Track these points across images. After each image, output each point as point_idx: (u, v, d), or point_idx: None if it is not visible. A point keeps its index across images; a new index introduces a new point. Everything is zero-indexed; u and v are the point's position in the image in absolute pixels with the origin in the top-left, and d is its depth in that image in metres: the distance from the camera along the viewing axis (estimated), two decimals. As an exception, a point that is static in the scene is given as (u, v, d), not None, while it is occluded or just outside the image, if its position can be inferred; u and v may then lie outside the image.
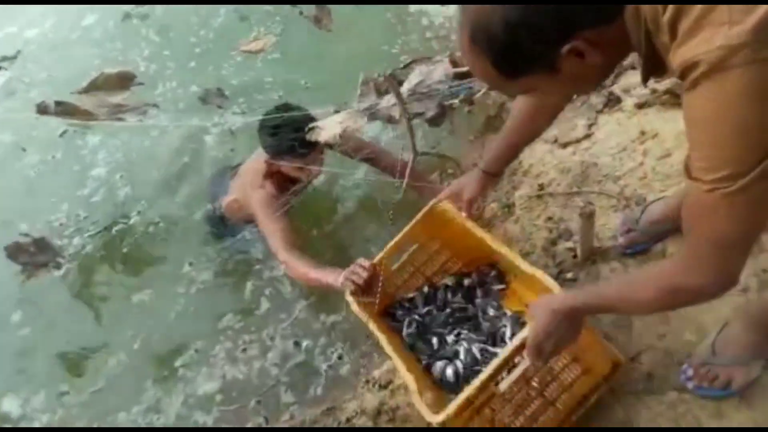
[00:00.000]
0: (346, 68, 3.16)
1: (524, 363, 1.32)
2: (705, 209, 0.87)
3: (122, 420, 2.29)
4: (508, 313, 1.71)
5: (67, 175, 3.16)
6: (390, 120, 2.43)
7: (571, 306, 1.21)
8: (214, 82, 3.23)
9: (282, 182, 2.36)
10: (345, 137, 2.09)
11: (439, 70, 2.28)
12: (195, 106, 3.09)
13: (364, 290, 1.73)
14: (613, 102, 2.22)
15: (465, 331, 1.72)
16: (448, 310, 1.80)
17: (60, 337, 2.63)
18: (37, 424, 2.40)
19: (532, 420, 1.51)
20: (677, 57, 0.78)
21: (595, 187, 1.98)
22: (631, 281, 1.27)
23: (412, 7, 3.54)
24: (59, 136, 3.23)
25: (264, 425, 2.11)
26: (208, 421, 2.21)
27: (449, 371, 1.63)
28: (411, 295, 1.88)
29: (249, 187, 2.42)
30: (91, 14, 3.63)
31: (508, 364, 1.35)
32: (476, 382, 1.33)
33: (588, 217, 1.68)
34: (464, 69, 2.46)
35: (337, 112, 2.20)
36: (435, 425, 1.32)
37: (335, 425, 2.00)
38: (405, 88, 2.24)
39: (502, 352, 1.34)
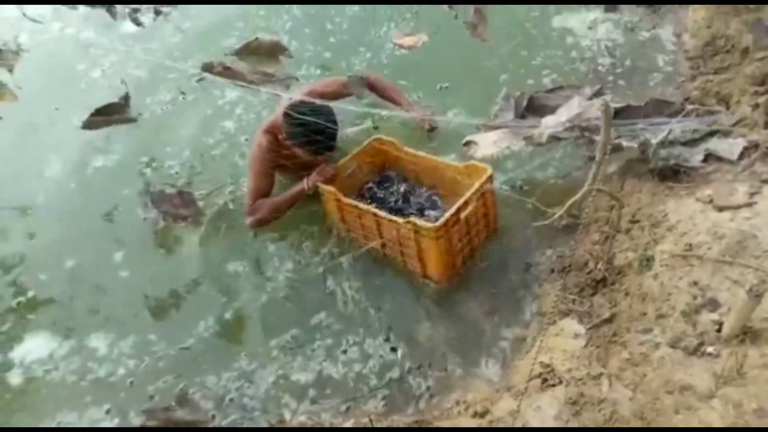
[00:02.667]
0: (483, 73, 3.14)
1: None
2: None
3: (211, 383, 2.31)
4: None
5: (195, 120, 3.23)
6: (527, 140, 2.38)
7: None
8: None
9: (277, 147, 2.61)
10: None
11: (598, 106, 2.20)
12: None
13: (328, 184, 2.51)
14: (781, 174, 2.08)
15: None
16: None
17: (154, 287, 2.68)
18: (122, 369, 2.42)
19: (467, 243, 2.39)
20: None
21: (752, 261, 1.86)
22: None
23: (555, 23, 3.46)
24: (196, 82, 3.30)
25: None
26: (299, 408, 2.19)
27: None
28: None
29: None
30: (241, -21, 3.71)
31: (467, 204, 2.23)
32: (455, 206, 2.21)
33: (756, 297, 1.58)
34: (621, 105, 2.39)
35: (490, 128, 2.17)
36: (434, 232, 2.16)
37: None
38: (564, 116, 2.18)
39: (464, 197, 2.23)
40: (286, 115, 2.45)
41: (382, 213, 2.37)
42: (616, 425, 1.74)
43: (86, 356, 2.45)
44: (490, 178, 2.29)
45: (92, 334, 2.54)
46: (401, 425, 2.07)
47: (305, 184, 2.58)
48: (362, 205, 2.46)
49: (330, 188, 2.50)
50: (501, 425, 1.90)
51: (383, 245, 2.48)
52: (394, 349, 2.31)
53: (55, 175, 3.03)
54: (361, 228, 2.53)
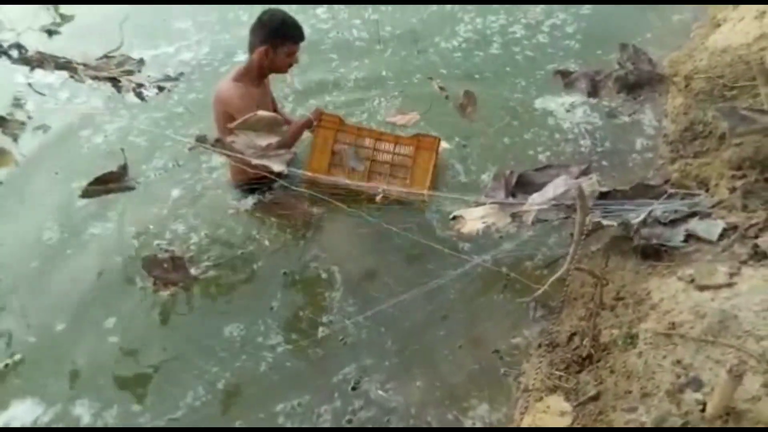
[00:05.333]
0: (474, 150, 3.27)
1: None
2: None
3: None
4: None
5: (182, 186, 3.31)
6: (513, 217, 2.45)
7: None
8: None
9: (257, 77, 2.94)
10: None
11: (586, 185, 2.29)
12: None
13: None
14: (759, 256, 2.15)
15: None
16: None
17: (144, 355, 2.64)
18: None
19: None
20: None
21: (733, 342, 1.89)
22: None
23: (537, 105, 3.64)
24: (188, 150, 3.36)
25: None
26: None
27: None
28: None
29: (220, 104, 2.87)
30: (242, 54, 3.88)
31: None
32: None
33: (736, 377, 1.60)
34: (608, 189, 2.48)
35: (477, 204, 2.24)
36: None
37: None
38: (551, 194, 2.26)
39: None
40: (260, 24, 2.82)
41: (386, 133, 2.98)
42: (603, 507, 1.72)
43: (70, 424, 2.40)
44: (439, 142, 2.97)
45: (77, 401, 2.48)
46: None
47: (310, 116, 3.01)
48: (365, 127, 3.03)
49: (334, 114, 3.02)
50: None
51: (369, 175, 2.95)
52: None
53: (51, 241, 3.05)
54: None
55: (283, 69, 2.98)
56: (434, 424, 2.24)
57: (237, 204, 3.13)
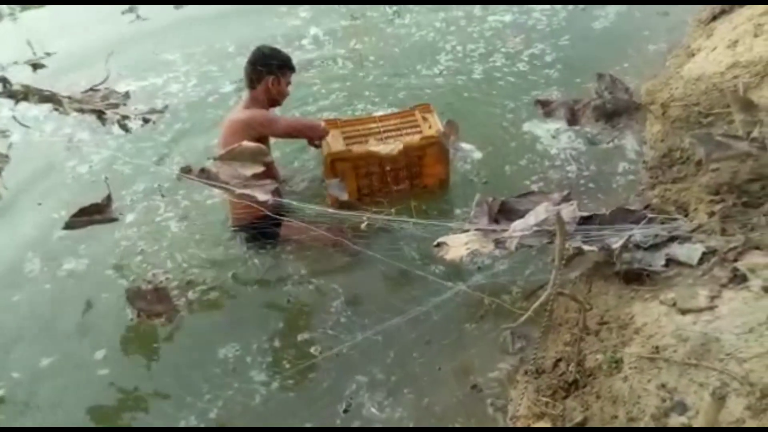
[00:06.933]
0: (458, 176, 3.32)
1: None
2: None
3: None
4: None
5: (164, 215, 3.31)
6: (497, 244, 2.47)
7: None
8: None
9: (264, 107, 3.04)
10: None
11: (567, 211, 2.32)
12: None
13: None
14: (739, 279, 2.18)
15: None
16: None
17: (135, 387, 2.59)
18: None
19: None
20: None
21: (716, 365, 1.90)
22: None
23: (526, 127, 3.71)
24: (177, 179, 3.34)
25: None
26: None
27: None
28: None
29: (246, 131, 2.86)
30: (230, 84, 3.94)
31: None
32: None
33: (719, 400, 1.61)
34: (589, 214, 2.51)
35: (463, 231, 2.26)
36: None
37: None
38: (532, 221, 2.29)
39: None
40: (264, 57, 2.97)
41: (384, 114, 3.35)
42: None
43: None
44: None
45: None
46: None
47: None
48: (366, 119, 3.36)
49: (332, 118, 3.38)
50: None
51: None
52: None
53: (33, 273, 3.02)
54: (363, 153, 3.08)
55: (282, 99, 3.12)
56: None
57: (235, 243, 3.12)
